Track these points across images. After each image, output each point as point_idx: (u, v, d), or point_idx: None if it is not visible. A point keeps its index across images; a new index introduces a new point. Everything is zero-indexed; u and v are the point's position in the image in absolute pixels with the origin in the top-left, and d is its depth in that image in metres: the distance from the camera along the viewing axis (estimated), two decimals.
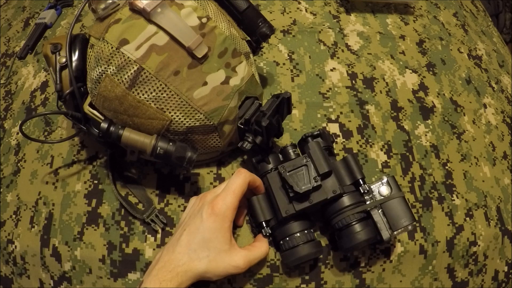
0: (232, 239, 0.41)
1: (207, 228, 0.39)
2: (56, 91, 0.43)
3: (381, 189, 0.44)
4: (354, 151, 0.53)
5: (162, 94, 0.41)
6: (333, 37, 0.64)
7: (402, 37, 0.66)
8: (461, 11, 0.77)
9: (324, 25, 0.65)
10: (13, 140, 0.57)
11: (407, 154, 0.54)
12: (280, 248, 0.43)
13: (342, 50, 0.62)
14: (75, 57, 0.43)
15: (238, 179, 0.41)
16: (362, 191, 0.43)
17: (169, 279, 0.37)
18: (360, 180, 0.43)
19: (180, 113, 0.42)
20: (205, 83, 0.42)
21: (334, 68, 0.60)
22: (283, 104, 0.44)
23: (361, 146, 0.53)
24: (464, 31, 0.72)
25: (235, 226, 0.47)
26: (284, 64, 0.59)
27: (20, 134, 0.49)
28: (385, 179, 0.44)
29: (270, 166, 0.45)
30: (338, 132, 0.54)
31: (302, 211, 0.42)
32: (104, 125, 0.42)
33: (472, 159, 0.56)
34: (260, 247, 0.43)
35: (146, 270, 0.45)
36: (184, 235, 0.39)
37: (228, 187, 0.41)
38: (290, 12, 0.66)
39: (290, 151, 0.47)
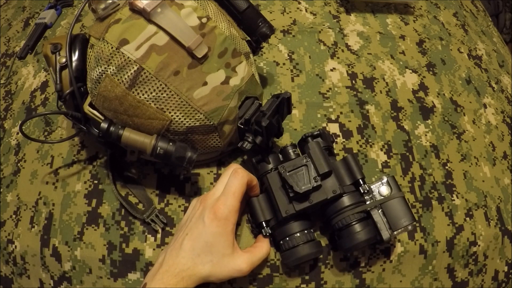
0: (234, 242, 0.41)
1: (210, 233, 0.39)
2: (56, 91, 0.43)
3: (381, 189, 0.44)
4: (354, 151, 0.53)
5: (162, 94, 0.41)
6: (333, 37, 0.64)
7: (402, 37, 0.66)
8: (461, 11, 0.77)
9: (324, 25, 0.65)
10: (13, 140, 0.57)
11: (407, 154, 0.54)
12: (280, 248, 0.43)
13: (342, 50, 0.62)
14: (75, 57, 0.43)
15: (236, 180, 0.41)
16: (362, 191, 0.43)
17: (174, 283, 0.37)
18: (360, 180, 0.43)
19: (180, 113, 0.42)
20: (205, 83, 0.42)
21: (334, 68, 0.60)
22: (283, 104, 0.44)
23: (361, 146, 0.53)
24: (464, 31, 0.72)
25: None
26: (284, 64, 0.59)
27: (20, 134, 0.49)
28: (385, 179, 0.44)
29: (270, 166, 0.45)
30: (338, 132, 0.54)
31: (302, 211, 0.42)
32: (104, 125, 0.42)
33: (472, 159, 0.56)
34: (262, 248, 0.43)
35: (146, 270, 0.45)
36: (187, 240, 0.39)
37: (228, 190, 0.41)
38: (290, 12, 0.66)
39: (290, 151, 0.47)
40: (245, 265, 0.40)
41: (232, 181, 0.41)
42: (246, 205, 0.46)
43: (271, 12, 0.65)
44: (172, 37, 0.40)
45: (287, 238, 0.42)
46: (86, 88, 0.44)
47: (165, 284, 0.37)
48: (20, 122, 0.44)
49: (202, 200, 0.42)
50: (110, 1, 0.41)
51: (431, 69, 0.63)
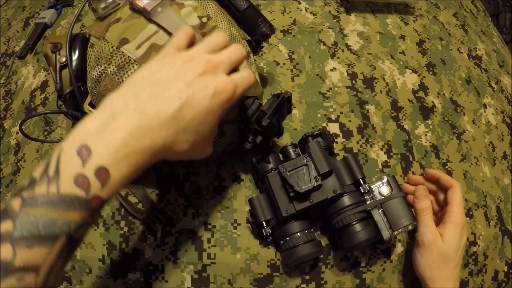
0: None
1: (212, 111, 0.31)
2: (56, 91, 0.43)
3: (382, 188, 0.44)
4: (354, 151, 0.53)
5: None
6: (333, 37, 0.64)
7: (402, 37, 0.66)
8: (461, 11, 0.77)
9: (324, 25, 0.65)
10: (13, 139, 0.56)
11: (407, 154, 0.54)
12: (280, 248, 0.43)
13: (342, 50, 0.62)
14: (75, 56, 0.43)
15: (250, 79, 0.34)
16: (362, 191, 0.43)
17: (135, 159, 0.28)
18: (361, 179, 0.43)
19: None
20: None
21: (334, 68, 0.60)
22: (283, 104, 0.44)
23: (361, 146, 0.53)
24: (464, 31, 0.72)
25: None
26: (284, 64, 0.59)
27: (20, 133, 0.49)
28: (385, 179, 0.44)
29: (271, 165, 0.45)
30: (338, 132, 0.54)
31: (303, 211, 0.42)
32: None
33: (472, 159, 0.56)
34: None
35: (146, 270, 0.45)
36: (185, 111, 0.30)
37: (246, 73, 0.34)
38: (290, 12, 0.66)
39: (291, 150, 0.47)
40: (212, 149, 0.35)
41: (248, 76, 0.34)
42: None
43: (271, 12, 0.65)
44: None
45: (288, 238, 0.42)
46: (86, 87, 0.44)
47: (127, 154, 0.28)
48: (20, 121, 0.44)
49: (209, 62, 0.32)
50: (110, 1, 0.41)
51: (431, 69, 0.63)
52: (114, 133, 0.28)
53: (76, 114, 0.44)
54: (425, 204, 0.44)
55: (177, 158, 0.32)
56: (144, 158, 0.29)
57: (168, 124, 0.29)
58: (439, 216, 0.46)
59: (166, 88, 0.30)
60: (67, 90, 0.43)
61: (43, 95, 0.59)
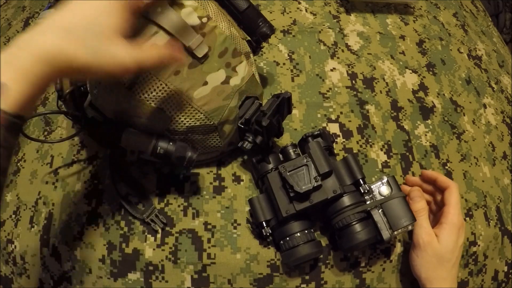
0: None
1: (105, 11, 0.31)
2: (56, 91, 0.43)
3: (381, 189, 0.44)
4: (354, 151, 0.53)
5: (162, 93, 0.40)
6: (333, 37, 0.64)
7: (402, 37, 0.66)
8: (461, 11, 0.77)
9: (324, 25, 0.65)
10: None
11: (407, 154, 0.54)
12: (280, 248, 0.43)
13: (342, 50, 0.62)
14: None
15: None
16: (362, 191, 0.43)
17: (29, 64, 0.28)
18: (361, 180, 0.43)
19: (180, 113, 0.42)
20: (206, 83, 0.42)
21: (334, 68, 0.60)
22: (283, 104, 0.44)
23: (361, 146, 0.53)
24: (464, 31, 0.72)
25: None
26: (284, 64, 0.59)
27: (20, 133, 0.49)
28: (385, 179, 0.44)
29: (271, 166, 0.45)
30: (338, 132, 0.54)
31: (303, 211, 0.42)
32: (104, 125, 0.42)
33: (472, 159, 0.56)
34: (154, 47, 0.36)
35: (146, 270, 0.45)
36: (69, 13, 0.30)
37: None
38: (290, 12, 0.66)
39: (291, 151, 0.47)
40: (128, 57, 0.31)
41: None
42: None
43: (271, 12, 0.65)
44: (173, 37, 0.40)
45: (288, 238, 0.42)
46: (86, 87, 0.44)
47: (16, 66, 0.28)
48: None
49: None
50: None
51: (431, 69, 0.63)
52: (10, 50, 0.28)
53: (76, 114, 0.44)
54: (420, 205, 0.44)
55: (87, 69, 0.30)
56: (40, 67, 0.28)
57: (56, 28, 0.29)
58: (438, 216, 0.46)
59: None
60: (67, 90, 0.43)
61: (42, 95, 0.59)
